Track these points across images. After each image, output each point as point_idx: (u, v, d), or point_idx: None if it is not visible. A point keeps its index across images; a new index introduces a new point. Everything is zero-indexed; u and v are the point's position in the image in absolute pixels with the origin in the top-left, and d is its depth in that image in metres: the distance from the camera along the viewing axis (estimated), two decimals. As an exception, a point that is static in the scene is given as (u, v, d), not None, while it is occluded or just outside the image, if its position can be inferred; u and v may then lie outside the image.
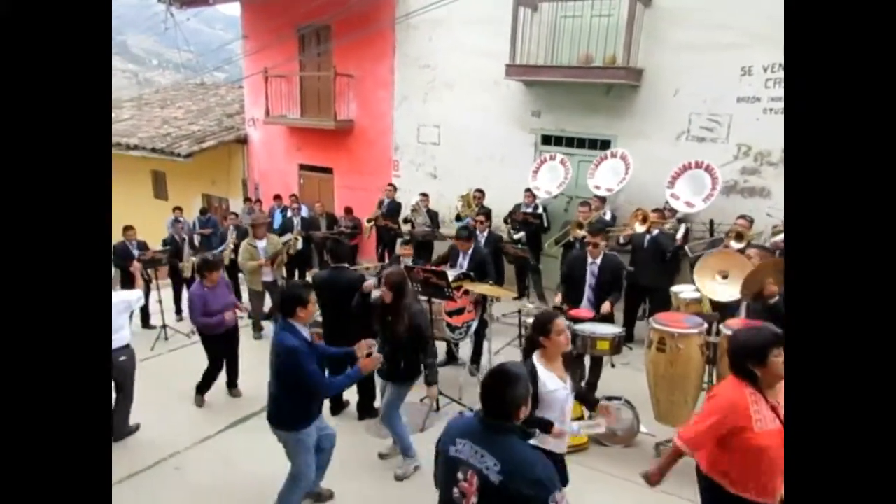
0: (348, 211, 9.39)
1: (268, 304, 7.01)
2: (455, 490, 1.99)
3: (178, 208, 8.77)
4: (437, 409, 4.84)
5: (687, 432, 2.45)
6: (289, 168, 11.11)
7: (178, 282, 7.78)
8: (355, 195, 9.93)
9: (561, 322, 2.71)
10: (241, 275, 8.35)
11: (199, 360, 5.16)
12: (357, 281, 4.52)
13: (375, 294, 4.18)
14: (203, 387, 5.17)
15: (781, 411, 2.27)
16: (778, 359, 2.25)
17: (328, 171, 10.59)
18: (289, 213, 9.15)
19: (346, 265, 4.76)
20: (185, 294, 7.75)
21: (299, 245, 8.25)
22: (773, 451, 2.21)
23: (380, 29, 8.90)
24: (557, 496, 1.83)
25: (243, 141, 11.70)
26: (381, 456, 4.20)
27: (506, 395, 1.95)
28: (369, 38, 8.94)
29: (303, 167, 10.97)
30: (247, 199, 10.51)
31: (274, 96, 10.38)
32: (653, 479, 2.59)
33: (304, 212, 9.27)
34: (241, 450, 4.39)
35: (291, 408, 3.23)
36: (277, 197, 9.87)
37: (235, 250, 7.90)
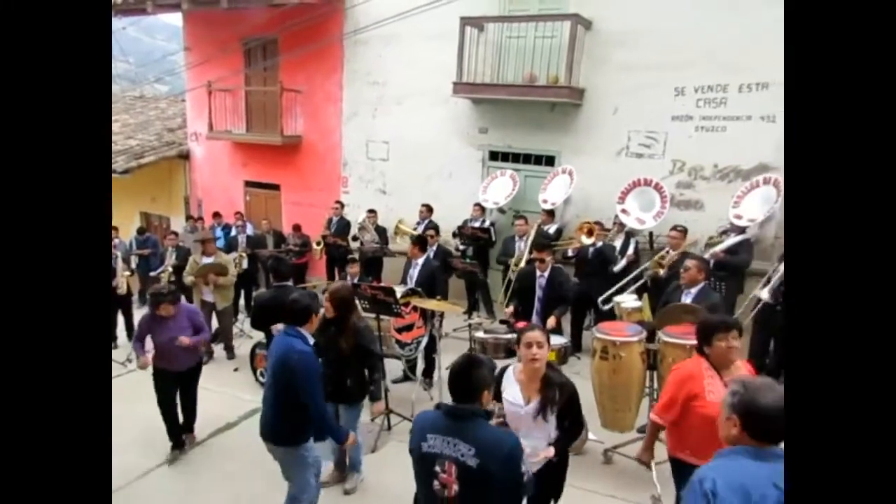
0: (296, 228, 9.22)
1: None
2: (435, 483, 2.07)
3: (111, 228, 8.37)
4: (389, 427, 4.79)
5: (657, 406, 2.91)
6: (234, 184, 10.83)
7: (113, 303, 7.38)
8: (304, 212, 9.77)
9: (530, 335, 2.63)
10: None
11: (135, 392, 4.87)
12: None
13: None
14: (174, 437, 4.48)
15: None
16: (721, 343, 2.62)
17: (275, 187, 10.39)
18: (233, 231, 8.91)
19: (290, 284, 4.67)
20: (120, 317, 7.40)
21: (244, 264, 8.03)
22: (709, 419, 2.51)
23: (328, 44, 8.88)
24: (523, 465, 2.04)
25: (185, 156, 11.32)
26: (325, 484, 3.97)
27: (472, 376, 2.09)
28: (317, 52, 8.90)
29: (249, 184, 10.72)
30: (189, 217, 10.15)
31: (218, 110, 10.12)
32: (644, 458, 3.09)
33: (250, 229, 9.04)
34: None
35: (295, 420, 3.10)
36: (217, 214, 9.58)
37: (175, 272, 7.63)
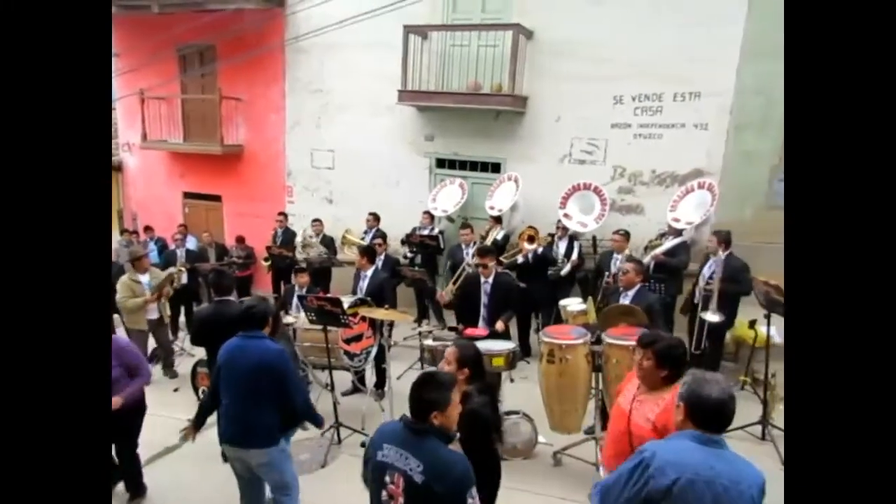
0: (240, 240, 8.93)
1: (151, 344, 6.45)
2: (384, 493, 2.09)
3: None
4: (339, 441, 4.67)
5: None
6: (171, 196, 10.38)
7: None
8: (248, 223, 9.47)
9: (447, 352, 2.77)
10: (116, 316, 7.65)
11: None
12: None
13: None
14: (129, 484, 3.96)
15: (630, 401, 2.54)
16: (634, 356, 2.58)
17: (216, 198, 10.03)
18: (171, 245, 8.52)
19: (231, 298, 4.49)
20: None
21: (184, 279, 7.68)
22: (612, 424, 2.59)
23: (269, 51, 8.67)
24: (473, 492, 2.00)
25: (117, 168, 10.77)
26: None
27: (421, 396, 2.09)
28: (258, 60, 8.68)
29: (188, 195, 10.30)
30: (123, 232, 9.64)
31: (152, 119, 9.70)
32: None
33: (191, 243, 8.66)
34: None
35: (271, 420, 3.10)
36: (148, 228, 9.15)
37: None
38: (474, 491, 2.00)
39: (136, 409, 3.82)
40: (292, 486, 3.35)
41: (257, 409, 3.06)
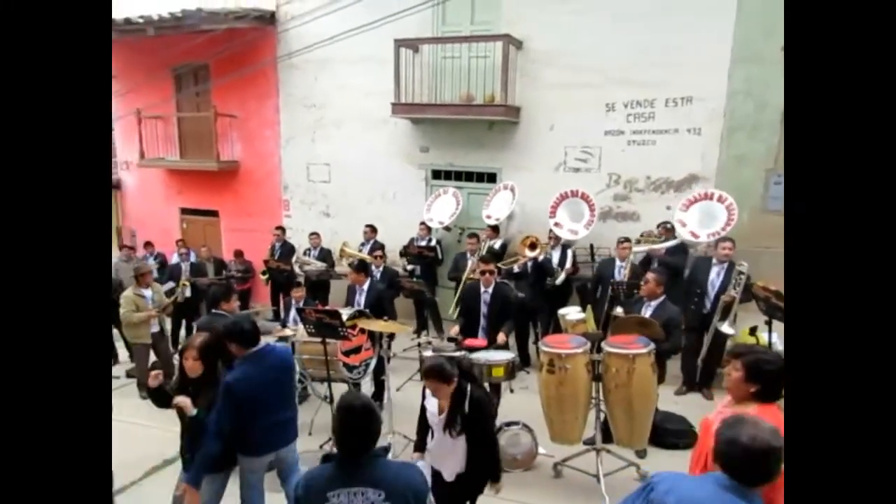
0: (238, 254, 8.94)
1: (152, 357, 6.46)
2: None
3: None
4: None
5: None
6: (169, 212, 10.41)
7: None
8: (245, 237, 9.48)
9: (427, 384, 2.86)
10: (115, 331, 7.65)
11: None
12: None
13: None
14: None
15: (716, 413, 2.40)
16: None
17: (213, 213, 10.05)
18: (175, 259, 8.56)
19: (224, 312, 4.49)
20: None
21: (188, 292, 7.71)
22: (700, 434, 2.42)
23: (262, 68, 8.73)
24: (431, 498, 2.03)
25: (116, 186, 10.81)
26: None
27: (370, 430, 2.02)
28: (251, 77, 8.74)
29: (185, 211, 10.34)
30: (122, 247, 9.66)
31: (149, 138, 9.75)
32: None
33: (193, 257, 8.71)
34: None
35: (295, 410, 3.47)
36: (149, 244, 9.19)
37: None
38: (432, 498, 2.07)
39: None
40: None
41: (287, 403, 3.39)
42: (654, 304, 4.52)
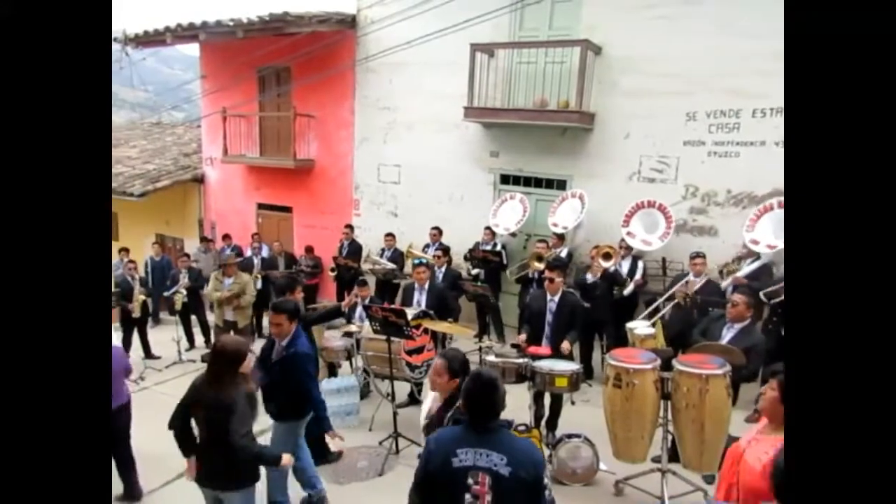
0: (309, 249, 9.27)
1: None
2: (467, 496, 2.12)
3: (123, 250, 8.48)
4: (397, 451, 4.72)
5: None
6: (246, 207, 10.96)
7: (129, 324, 7.51)
8: (316, 234, 9.84)
9: (436, 363, 2.82)
10: (193, 317, 8.14)
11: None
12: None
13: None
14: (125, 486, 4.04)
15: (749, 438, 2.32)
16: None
17: (287, 210, 10.49)
18: (248, 252, 9.00)
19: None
20: (135, 336, 7.52)
21: (258, 284, 8.09)
22: (727, 458, 2.37)
23: (340, 71, 9.04)
24: (548, 473, 2.15)
25: (200, 180, 11.50)
26: None
27: (495, 399, 2.18)
28: (329, 79, 9.06)
29: (261, 206, 10.84)
30: (203, 239, 10.27)
31: (232, 136, 10.31)
32: None
33: (265, 251, 9.13)
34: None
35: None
36: (227, 237, 9.70)
37: (189, 293, 7.77)
38: (548, 472, 2.20)
39: (124, 406, 4.03)
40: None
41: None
42: (737, 326, 4.26)
